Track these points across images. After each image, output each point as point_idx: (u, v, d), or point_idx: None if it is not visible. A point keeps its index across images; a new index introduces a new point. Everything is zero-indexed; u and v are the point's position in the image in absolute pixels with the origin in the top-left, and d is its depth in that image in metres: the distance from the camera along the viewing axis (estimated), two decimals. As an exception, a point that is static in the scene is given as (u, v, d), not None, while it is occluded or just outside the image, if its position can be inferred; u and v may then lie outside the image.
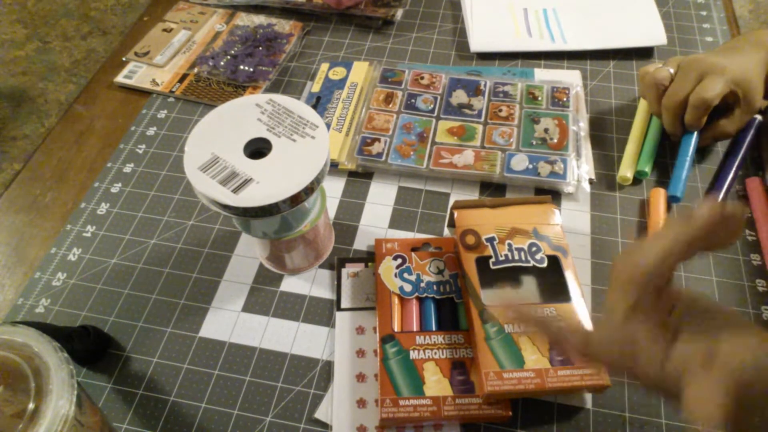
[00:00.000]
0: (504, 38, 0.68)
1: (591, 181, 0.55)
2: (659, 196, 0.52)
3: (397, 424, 0.41)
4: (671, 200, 0.53)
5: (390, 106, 0.60)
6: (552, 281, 0.46)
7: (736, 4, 1.78)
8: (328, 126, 0.59)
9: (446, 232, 0.52)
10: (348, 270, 0.49)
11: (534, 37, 0.67)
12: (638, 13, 0.69)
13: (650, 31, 0.67)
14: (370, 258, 0.50)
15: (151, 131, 0.61)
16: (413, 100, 0.60)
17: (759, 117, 0.57)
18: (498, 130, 0.57)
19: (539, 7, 0.71)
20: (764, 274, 0.49)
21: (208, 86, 0.64)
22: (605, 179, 0.55)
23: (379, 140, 0.57)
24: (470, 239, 0.46)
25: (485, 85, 0.61)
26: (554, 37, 0.67)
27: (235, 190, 0.38)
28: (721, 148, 0.57)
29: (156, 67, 0.66)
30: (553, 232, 0.47)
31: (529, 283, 0.47)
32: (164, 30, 0.70)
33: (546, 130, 0.57)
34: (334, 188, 0.55)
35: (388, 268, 0.47)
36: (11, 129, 1.69)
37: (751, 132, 0.56)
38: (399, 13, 0.71)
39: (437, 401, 0.41)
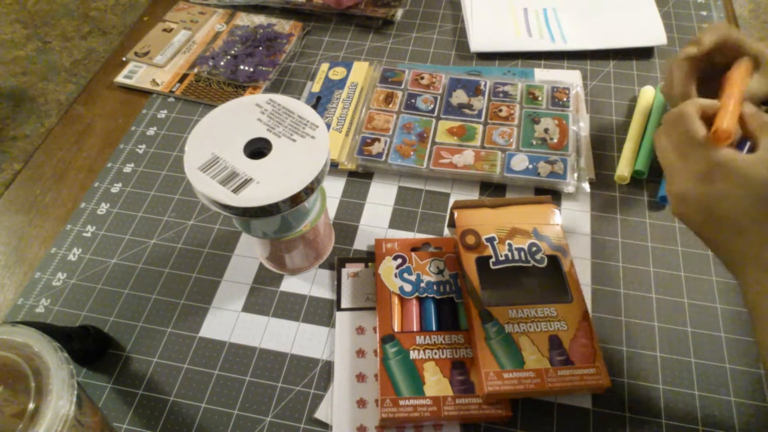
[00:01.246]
0: (504, 38, 0.68)
1: (591, 181, 0.55)
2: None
3: (397, 424, 0.41)
4: (661, 201, 0.53)
5: (390, 106, 0.60)
6: (552, 281, 0.46)
7: (736, 4, 1.78)
8: (328, 126, 0.59)
9: (446, 232, 0.52)
10: (348, 270, 0.49)
11: (534, 36, 0.67)
12: (638, 13, 0.69)
13: (650, 31, 0.67)
14: (370, 258, 0.50)
15: (151, 131, 0.61)
16: (413, 100, 0.60)
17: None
18: (498, 130, 0.57)
19: (539, 6, 0.71)
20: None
21: (208, 86, 0.64)
22: (605, 179, 0.55)
23: (379, 140, 0.57)
24: (470, 239, 0.46)
25: (485, 85, 0.61)
26: (554, 37, 0.67)
27: (235, 190, 0.38)
28: (721, 148, 0.57)
29: (156, 67, 0.66)
30: (553, 232, 0.47)
31: (529, 283, 0.47)
32: (164, 30, 0.70)
33: (546, 130, 0.57)
34: (334, 188, 0.55)
35: (388, 268, 0.47)
36: (11, 129, 1.69)
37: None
38: (399, 13, 0.71)
39: (437, 401, 0.41)
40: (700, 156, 0.37)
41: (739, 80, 0.43)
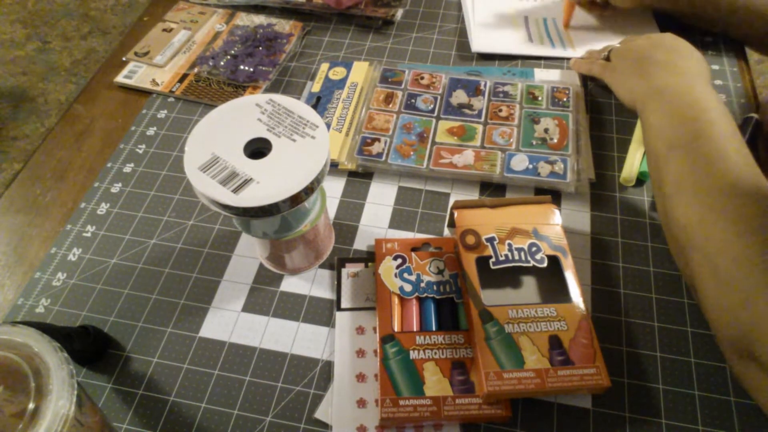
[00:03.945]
0: (505, 39, 0.68)
1: (591, 181, 0.55)
2: None
3: (397, 424, 0.41)
4: None
5: (390, 106, 0.60)
6: (552, 281, 0.46)
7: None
8: (328, 126, 0.59)
9: (446, 232, 0.52)
10: (348, 270, 0.49)
11: (535, 42, 0.67)
12: (636, 16, 0.69)
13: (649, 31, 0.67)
14: (370, 258, 0.50)
15: (151, 131, 0.61)
16: (413, 100, 0.60)
17: (756, 115, 0.58)
18: (498, 130, 0.57)
19: (539, 16, 0.71)
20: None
21: (208, 86, 0.64)
22: (605, 179, 0.55)
23: (379, 140, 0.57)
24: (470, 239, 0.46)
25: (485, 85, 0.61)
26: (554, 44, 0.67)
27: (235, 190, 0.38)
28: (721, 148, 0.57)
29: (156, 67, 0.66)
30: (553, 232, 0.47)
31: (529, 283, 0.47)
32: (164, 30, 0.70)
33: (546, 130, 0.57)
34: (334, 188, 0.55)
35: (388, 268, 0.47)
36: (11, 129, 1.69)
37: (749, 130, 0.57)
38: (399, 13, 0.71)
39: (437, 401, 0.41)
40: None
41: None
